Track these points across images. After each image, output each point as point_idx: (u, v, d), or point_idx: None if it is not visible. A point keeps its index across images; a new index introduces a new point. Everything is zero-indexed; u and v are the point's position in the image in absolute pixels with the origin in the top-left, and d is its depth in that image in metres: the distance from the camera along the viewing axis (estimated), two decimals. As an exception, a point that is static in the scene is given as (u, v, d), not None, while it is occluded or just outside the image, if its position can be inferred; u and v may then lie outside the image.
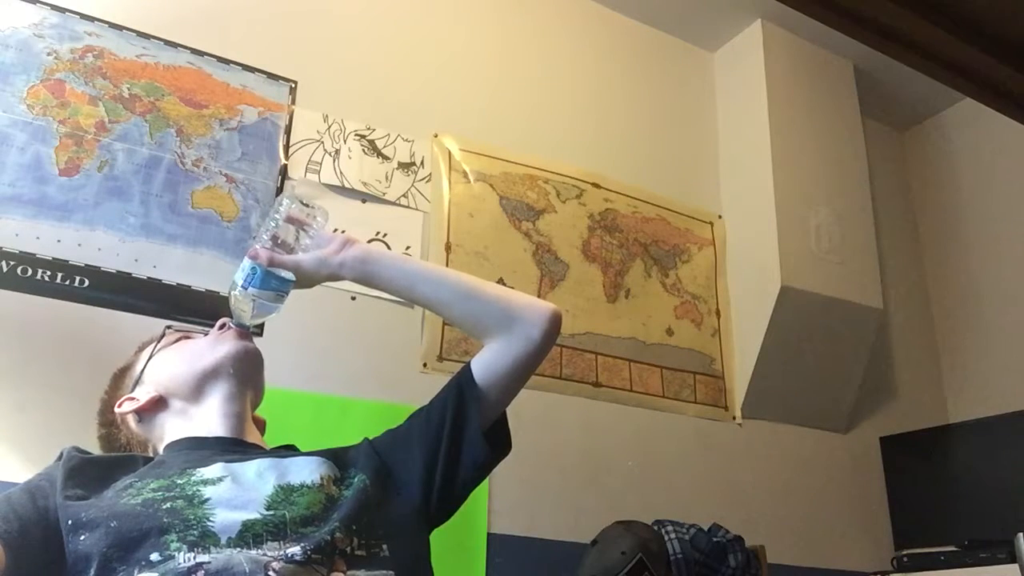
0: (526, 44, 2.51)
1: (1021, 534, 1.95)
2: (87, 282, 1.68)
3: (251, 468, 0.94)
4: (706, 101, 2.79)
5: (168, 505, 0.85)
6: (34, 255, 1.65)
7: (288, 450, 1.10)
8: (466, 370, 1.05)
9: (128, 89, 1.85)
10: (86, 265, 1.69)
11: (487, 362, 1.04)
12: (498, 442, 1.05)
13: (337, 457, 1.02)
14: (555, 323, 1.04)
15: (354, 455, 1.04)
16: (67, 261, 1.68)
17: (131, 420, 1.10)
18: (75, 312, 1.65)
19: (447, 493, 1.02)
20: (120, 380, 1.15)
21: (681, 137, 2.71)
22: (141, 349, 1.17)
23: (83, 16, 1.85)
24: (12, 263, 1.63)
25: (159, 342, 1.15)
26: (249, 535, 0.83)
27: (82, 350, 1.62)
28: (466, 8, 2.44)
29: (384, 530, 0.91)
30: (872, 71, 2.86)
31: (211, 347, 1.10)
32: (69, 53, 1.81)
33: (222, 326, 1.12)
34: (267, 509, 0.87)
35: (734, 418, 2.41)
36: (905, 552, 2.36)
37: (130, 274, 1.73)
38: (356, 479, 0.97)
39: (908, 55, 1.07)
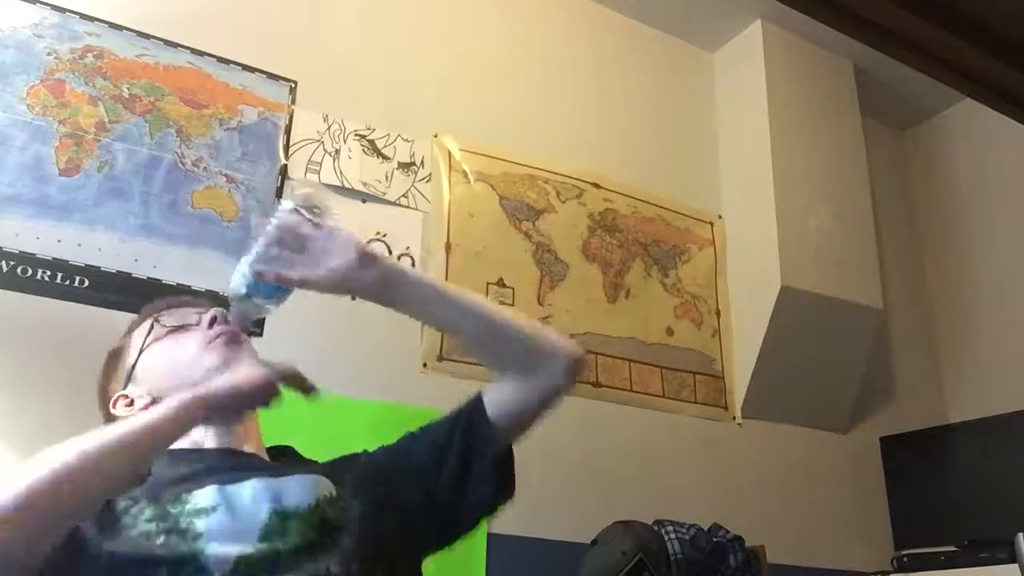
0: (526, 44, 2.51)
1: (1021, 534, 1.95)
2: (87, 282, 1.68)
3: (246, 492, 0.91)
4: (706, 101, 2.79)
5: (162, 540, 0.84)
6: (34, 255, 1.65)
7: (284, 457, 1.07)
8: (477, 402, 1.01)
9: (128, 89, 1.85)
10: (86, 265, 1.69)
11: (503, 399, 1.00)
12: (504, 481, 1.01)
13: (333, 472, 1.00)
14: (581, 368, 1.01)
15: (350, 472, 1.01)
16: (67, 261, 1.68)
17: None
18: (75, 312, 1.65)
19: (447, 528, 1.00)
20: (113, 366, 1.11)
21: (681, 137, 2.71)
22: (131, 331, 1.12)
23: (83, 16, 1.85)
24: (12, 263, 1.63)
25: (149, 334, 1.09)
26: (242, 570, 0.83)
27: (82, 350, 1.61)
28: (466, 8, 2.44)
29: (379, 556, 0.91)
30: (872, 71, 2.86)
31: (201, 362, 1.03)
32: (69, 53, 1.81)
33: (212, 322, 1.06)
34: (261, 540, 0.86)
35: (734, 418, 2.41)
36: (905, 552, 2.35)
37: (130, 274, 1.73)
38: (353, 503, 0.95)
39: (908, 55, 1.07)
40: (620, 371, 2.25)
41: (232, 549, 0.84)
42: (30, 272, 1.64)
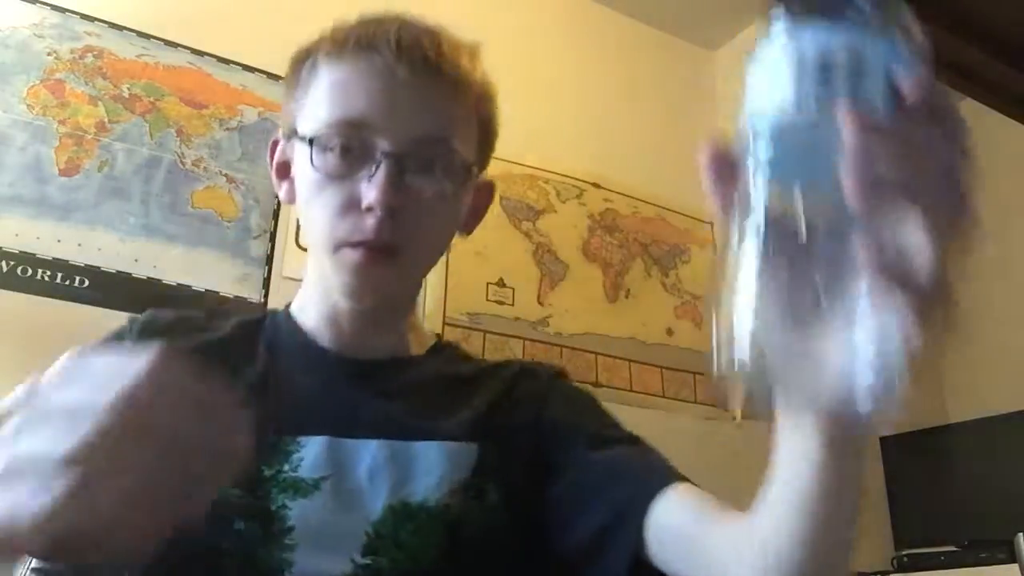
0: (526, 44, 2.50)
1: (1021, 534, 1.95)
2: (87, 282, 1.68)
3: (364, 461, 0.66)
4: (707, 100, 2.79)
5: (241, 526, 0.61)
6: (34, 255, 1.65)
7: (439, 384, 0.74)
8: (644, 499, 0.64)
9: (128, 89, 1.85)
10: (86, 265, 1.69)
11: (682, 533, 0.63)
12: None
13: (478, 427, 0.70)
14: None
15: (506, 432, 0.71)
16: (67, 261, 1.68)
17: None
18: (75, 312, 1.65)
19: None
20: (293, 75, 0.79)
21: (681, 137, 2.70)
22: (299, 66, 0.79)
23: (83, 16, 1.85)
24: (12, 263, 1.63)
25: (311, 148, 0.72)
26: None
27: (82, 350, 1.61)
28: (464, 8, 2.44)
29: None
30: (872, 71, 2.86)
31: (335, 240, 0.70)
32: (69, 53, 1.81)
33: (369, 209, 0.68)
34: (364, 555, 0.61)
35: (734, 418, 2.41)
36: (905, 552, 2.35)
37: (130, 274, 1.73)
38: (487, 494, 0.67)
39: (908, 55, 1.07)
40: (620, 371, 2.25)
41: (323, 565, 0.61)
42: (30, 272, 1.64)
